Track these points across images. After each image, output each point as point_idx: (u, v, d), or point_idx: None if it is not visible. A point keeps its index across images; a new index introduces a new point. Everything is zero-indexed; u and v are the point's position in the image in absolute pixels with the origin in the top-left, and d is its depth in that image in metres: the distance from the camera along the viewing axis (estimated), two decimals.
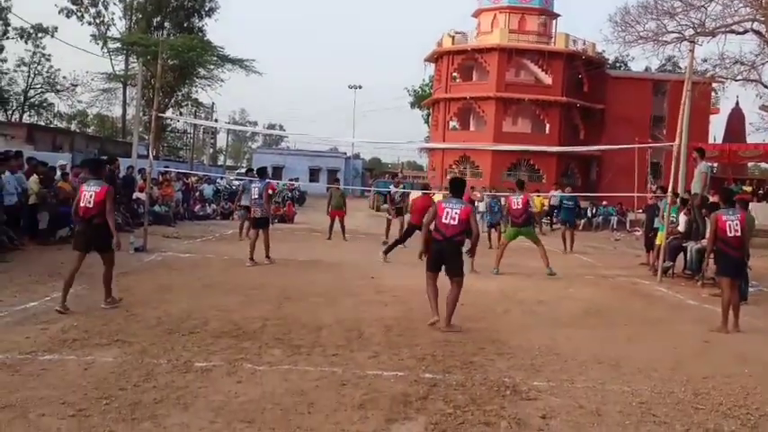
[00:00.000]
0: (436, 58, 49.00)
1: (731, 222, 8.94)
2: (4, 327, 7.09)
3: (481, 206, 22.20)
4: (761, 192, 28.59)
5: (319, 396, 5.34)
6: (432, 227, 8.28)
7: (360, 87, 71.30)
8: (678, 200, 14.22)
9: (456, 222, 8.13)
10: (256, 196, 13.47)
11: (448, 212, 8.19)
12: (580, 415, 5.18)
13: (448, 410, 5.11)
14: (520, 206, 13.56)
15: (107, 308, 8.28)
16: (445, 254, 8.20)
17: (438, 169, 46.38)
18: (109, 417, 4.69)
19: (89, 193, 8.31)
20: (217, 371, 5.87)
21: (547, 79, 44.74)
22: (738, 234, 8.91)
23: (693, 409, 5.48)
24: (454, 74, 47.59)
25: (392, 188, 20.06)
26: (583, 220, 31.80)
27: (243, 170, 53.06)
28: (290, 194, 32.17)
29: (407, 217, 16.13)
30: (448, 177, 40.13)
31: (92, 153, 29.97)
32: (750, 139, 34.00)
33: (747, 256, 9.85)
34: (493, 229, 18.86)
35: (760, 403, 5.67)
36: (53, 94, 57.89)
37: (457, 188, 8.71)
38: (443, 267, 8.24)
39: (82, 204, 8.30)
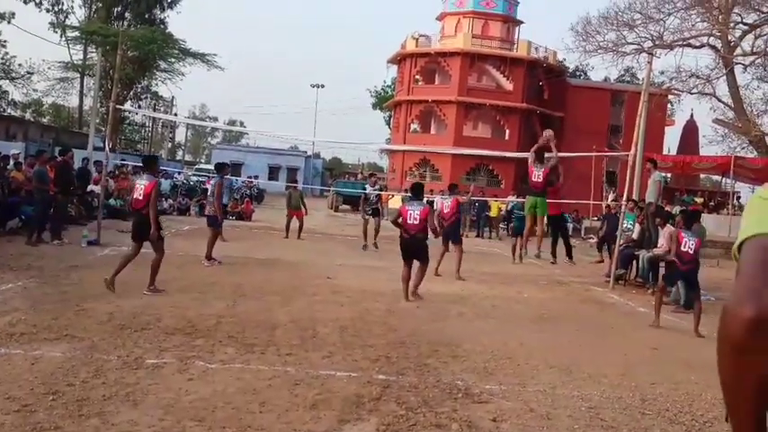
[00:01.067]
0: (399, 59, 49.12)
1: (688, 240, 9.82)
2: None
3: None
4: (712, 203, 29.30)
5: (272, 395, 5.31)
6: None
7: (322, 86, 71.11)
8: (635, 207, 14.46)
9: (418, 222, 9.97)
10: (209, 193, 13.11)
11: (411, 214, 10.02)
12: (530, 418, 5.24)
13: (400, 412, 5.13)
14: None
15: (148, 294, 8.96)
16: (411, 247, 10.10)
17: (398, 171, 46.48)
18: (55, 413, 4.59)
19: (141, 186, 9.16)
20: (168, 368, 5.80)
21: (508, 85, 45.17)
22: (691, 252, 9.76)
23: (641, 414, 5.59)
24: (417, 76, 47.73)
25: (368, 188, 18.65)
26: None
27: (203, 166, 52.42)
28: (248, 192, 31.91)
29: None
30: (408, 179, 40.38)
31: (46, 143, 29.36)
32: (703, 152, 34.79)
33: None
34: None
35: (704, 410, 5.80)
36: (7, 81, 56.48)
37: (417, 192, 10.57)
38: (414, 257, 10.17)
39: (135, 196, 9.20)
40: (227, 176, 16.09)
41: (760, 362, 1.12)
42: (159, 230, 9.37)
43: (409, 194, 10.73)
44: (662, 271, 13.33)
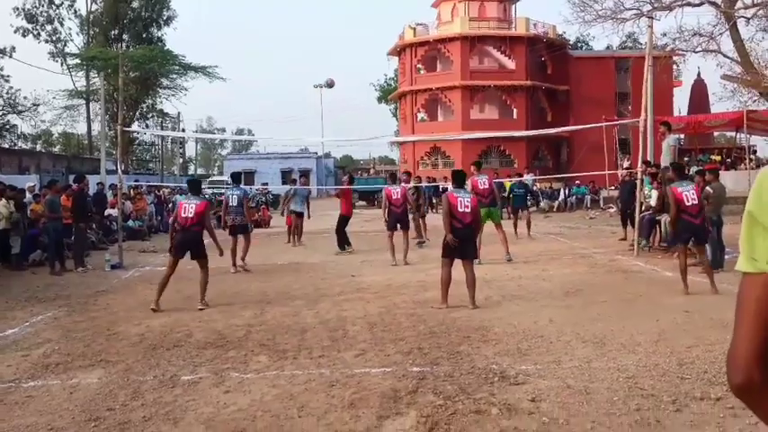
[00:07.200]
0: (399, 50, 49.04)
1: (687, 193, 9.61)
2: None
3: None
4: (729, 160, 28.99)
5: (309, 399, 5.33)
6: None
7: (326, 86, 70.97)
8: (647, 169, 14.32)
9: (469, 210, 8.99)
10: (235, 204, 13.32)
11: (461, 202, 8.99)
12: (569, 395, 5.22)
13: (438, 402, 5.13)
14: (486, 185, 13.40)
15: (202, 308, 9.11)
16: (467, 239, 9.06)
17: (410, 161, 46.44)
18: None
19: (190, 205, 9.37)
20: (204, 382, 5.84)
21: (510, 64, 44.94)
22: (696, 203, 9.57)
23: (679, 378, 5.55)
24: (418, 65, 47.61)
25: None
26: (557, 202, 32.09)
27: (216, 178, 52.73)
28: (263, 199, 32.00)
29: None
30: (420, 169, 40.34)
31: (59, 172, 29.60)
32: (714, 109, 34.44)
33: (714, 223, 10.26)
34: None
35: None
36: (15, 115, 56.97)
37: (460, 179, 9.58)
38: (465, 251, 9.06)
39: (183, 215, 9.32)
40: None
41: (758, 400, 1.40)
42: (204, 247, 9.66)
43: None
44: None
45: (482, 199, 13.02)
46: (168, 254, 9.73)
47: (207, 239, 9.74)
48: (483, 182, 13.41)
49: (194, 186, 10.30)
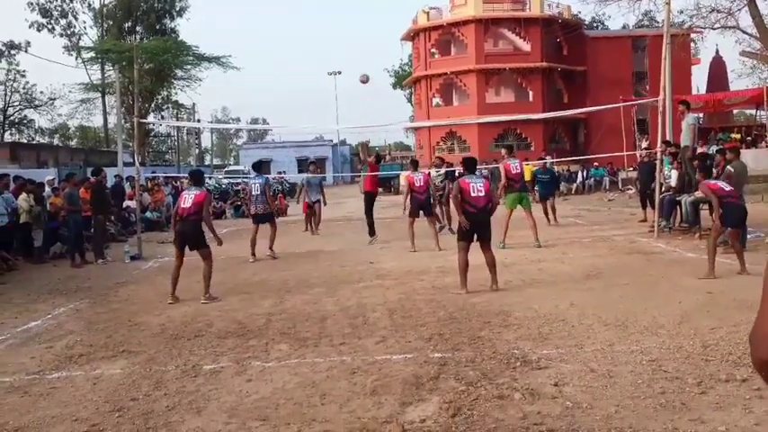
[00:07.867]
0: (413, 35, 48.78)
1: (721, 183, 9.77)
2: (9, 349, 7.06)
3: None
4: (749, 138, 28.62)
5: (331, 386, 5.33)
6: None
7: (339, 73, 71.14)
8: (667, 149, 14.17)
9: (483, 194, 8.87)
10: (258, 193, 13.29)
11: (473, 187, 8.88)
12: (592, 379, 5.18)
13: (460, 388, 5.11)
14: (519, 170, 13.36)
15: (206, 302, 8.92)
16: (482, 223, 8.91)
17: (425, 147, 46.29)
18: (123, 429, 4.67)
19: (190, 195, 9.25)
20: (226, 372, 5.86)
21: (525, 46, 44.59)
22: (732, 188, 9.63)
23: (704, 361, 5.49)
24: (432, 50, 47.36)
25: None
26: (575, 184, 31.90)
27: (232, 167, 52.92)
28: (280, 187, 32.01)
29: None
30: (436, 154, 40.19)
31: (77, 166, 29.76)
32: (733, 86, 34.07)
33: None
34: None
35: None
36: (32, 109, 57.43)
37: (471, 166, 9.44)
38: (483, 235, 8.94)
39: (183, 206, 9.17)
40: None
41: None
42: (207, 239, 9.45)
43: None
44: (704, 214, 13.10)
45: (514, 184, 13.13)
46: (173, 245, 9.63)
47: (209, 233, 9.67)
48: (515, 166, 13.30)
49: (196, 177, 10.14)
